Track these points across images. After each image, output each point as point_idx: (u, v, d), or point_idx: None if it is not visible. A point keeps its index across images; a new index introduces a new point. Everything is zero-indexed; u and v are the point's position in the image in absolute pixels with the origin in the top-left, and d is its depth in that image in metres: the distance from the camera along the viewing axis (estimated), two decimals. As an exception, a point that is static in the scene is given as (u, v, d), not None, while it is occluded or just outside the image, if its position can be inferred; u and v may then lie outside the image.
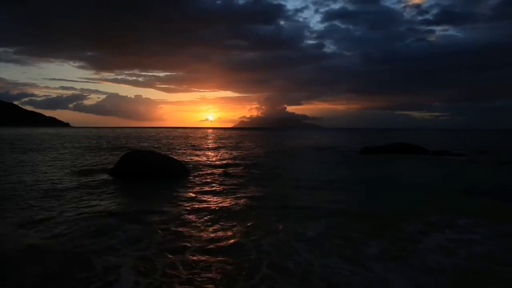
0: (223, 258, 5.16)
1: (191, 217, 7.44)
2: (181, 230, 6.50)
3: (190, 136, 63.59)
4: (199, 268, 4.84)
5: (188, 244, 5.71)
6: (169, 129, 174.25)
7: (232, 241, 5.92)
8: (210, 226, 6.82)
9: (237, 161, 19.21)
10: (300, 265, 4.94)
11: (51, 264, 4.91)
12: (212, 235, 6.24)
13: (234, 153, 25.57)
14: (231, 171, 14.89)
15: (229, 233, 6.33)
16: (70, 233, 6.23)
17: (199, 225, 6.86)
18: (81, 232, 6.27)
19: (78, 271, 4.65)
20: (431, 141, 43.40)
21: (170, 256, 5.21)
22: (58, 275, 4.58)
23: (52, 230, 6.41)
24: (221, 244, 5.78)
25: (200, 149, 29.30)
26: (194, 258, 5.17)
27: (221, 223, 7.02)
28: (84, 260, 5.02)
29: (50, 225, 6.71)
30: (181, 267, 4.84)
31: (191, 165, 16.71)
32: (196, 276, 4.59)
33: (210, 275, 4.63)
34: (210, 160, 20.15)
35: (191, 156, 22.71)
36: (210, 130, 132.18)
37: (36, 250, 5.43)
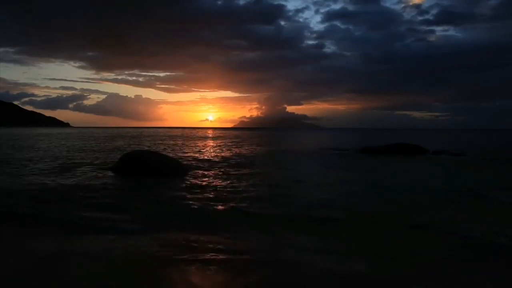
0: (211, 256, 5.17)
1: (183, 215, 7.49)
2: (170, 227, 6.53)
3: (189, 137, 63.61)
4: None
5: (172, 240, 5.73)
6: (169, 129, 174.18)
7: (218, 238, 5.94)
8: (197, 225, 6.86)
9: (236, 162, 19.23)
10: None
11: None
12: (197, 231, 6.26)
13: (233, 153, 25.59)
14: (228, 171, 14.89)
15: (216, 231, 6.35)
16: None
17: (186, 225, 6.88)
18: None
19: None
20: (431, 141, 43.42)
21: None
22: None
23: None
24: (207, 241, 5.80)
25: (200, 149, 29.33)
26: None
27: (209, 220, 7.07)
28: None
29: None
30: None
31: (190, 164, 16.74)
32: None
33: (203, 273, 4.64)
34: (209, 160, 20.15)
35: (191, 155, 22.72)
36: (210, 131, 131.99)
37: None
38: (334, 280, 4.42)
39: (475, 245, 5.74)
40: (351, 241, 5.91)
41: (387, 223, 7.05)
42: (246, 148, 31.52)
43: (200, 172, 14.51)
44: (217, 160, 20.03)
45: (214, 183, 11.63)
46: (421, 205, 8.80)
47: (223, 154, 24.55)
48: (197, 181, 11.90)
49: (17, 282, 4.33)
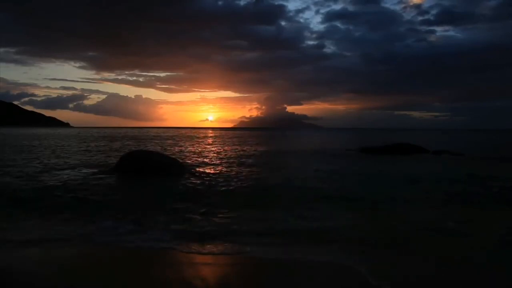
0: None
1: (182, 213, 7.54)
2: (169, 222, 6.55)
3: (189, 137, 63.64)
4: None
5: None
6: (169, 129, 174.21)
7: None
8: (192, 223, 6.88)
9: (235, 162, 19.27)
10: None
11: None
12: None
13: (233, 154, 25.64)
14: (227, 171, 14.94)
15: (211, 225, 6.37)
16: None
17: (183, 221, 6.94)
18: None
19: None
20: (431, 141, 43.40)
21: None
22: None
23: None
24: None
25: (199, 149, 29.36)
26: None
27: (208, 219, 7.08)
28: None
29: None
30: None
31: (190, 164, 16.79)
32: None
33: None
34: (208, 159, 20.18)
35: (190, 155, 22.76)
36: (210, 131, 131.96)
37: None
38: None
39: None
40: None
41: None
42: (245, 148, 31.52)
43: (199, 171, 14.54)
44: (216, 160, 20.06)
45: (213, 183, 11.65)
46: (417, 203, 8.83)
47: (222, 154, 24.57)
48: (196, 181, 11.94)
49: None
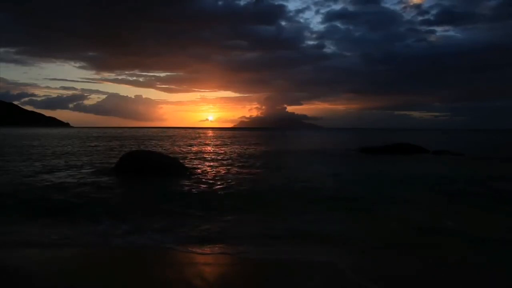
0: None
1: (181, 211, 7.59)
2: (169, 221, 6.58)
3: (189, 137, 63.58)
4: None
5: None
6: (169, 129, 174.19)
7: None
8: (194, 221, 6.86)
9: (235, 162, 19.25)
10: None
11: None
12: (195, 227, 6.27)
13: (232, 154, 25.63)
14: (227, 171, 14.94)
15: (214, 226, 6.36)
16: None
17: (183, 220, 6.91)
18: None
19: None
20: (431, 141, 43.40)
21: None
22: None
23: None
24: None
25: (199, 149, 29.35)
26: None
27: (207, 219, 7.10)
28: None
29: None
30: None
31: (189, 164, 16.77)
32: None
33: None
34: (208, 159, 20.17)
35: (190, 155, 22.75)
36: (210, 131, 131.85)
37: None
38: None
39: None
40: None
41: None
42: (246, 148, 31.53)
43: (199, 171, 14.53)
44: (216, 160, 20.05)
45: (212, 183, 11.64)
46: (415, 203, 8.82)
47: (222, 154, 24.57)
48: (196, 181, 11.93)
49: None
